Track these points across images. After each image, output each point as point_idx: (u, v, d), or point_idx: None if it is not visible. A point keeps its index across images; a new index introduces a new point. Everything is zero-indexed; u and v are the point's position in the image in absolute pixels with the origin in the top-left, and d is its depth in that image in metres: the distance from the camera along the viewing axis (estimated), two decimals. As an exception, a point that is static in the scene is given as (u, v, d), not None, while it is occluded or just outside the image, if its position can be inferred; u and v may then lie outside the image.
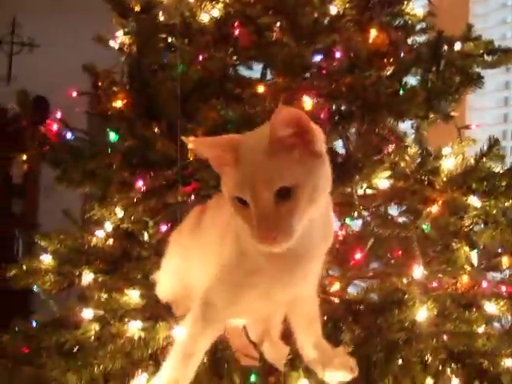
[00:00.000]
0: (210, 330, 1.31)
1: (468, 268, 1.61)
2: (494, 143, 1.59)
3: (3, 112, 4.38)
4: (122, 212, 1.85)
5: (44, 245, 1.94)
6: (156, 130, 1.63)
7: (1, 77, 4.86)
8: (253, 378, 1.54)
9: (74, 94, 2.03)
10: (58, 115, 1.89)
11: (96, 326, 1.55)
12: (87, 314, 1.61)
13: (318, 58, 1.62)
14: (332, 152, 1.58)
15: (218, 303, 1.28)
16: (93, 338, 1.53)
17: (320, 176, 1.12)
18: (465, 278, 1.65)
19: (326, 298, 1.71)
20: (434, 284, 1.65)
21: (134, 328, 1.53)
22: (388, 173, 1.56)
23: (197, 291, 1.38)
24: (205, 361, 1.42)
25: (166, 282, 1.60)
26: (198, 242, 1.45)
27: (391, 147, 1.53)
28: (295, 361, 1.43)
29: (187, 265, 1.50)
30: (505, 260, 1.74)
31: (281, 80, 1.58)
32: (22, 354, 1.58)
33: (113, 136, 1.65)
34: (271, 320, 1.54)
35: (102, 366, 1.47)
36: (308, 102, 1.46)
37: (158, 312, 1.58)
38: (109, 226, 1.87)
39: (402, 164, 1.55)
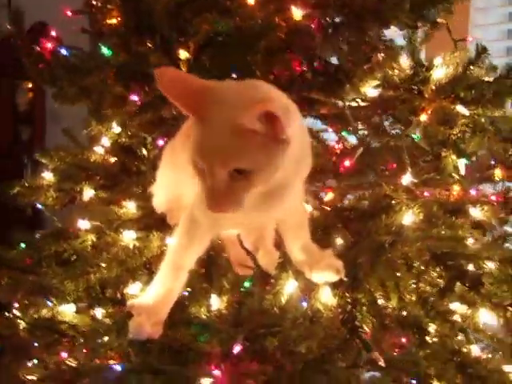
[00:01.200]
0: (196, 244, 1.35)
1: (456, 176, 1.64)
2: (481, 51, 1.60)
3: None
4: (119, 127, 1.89)
5: (45, 162, 1.99)
6: (149, 44, 1.64)
7: (2, 3, 4.79)
8: (247, 284, 1.61)
9: (69, 13, 2.04)
10: (53, 33, 1.90)
11: (92, 237, 1.61)
12: (84, 224, 1.66)
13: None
14: (325, 62, 1.60)
15: (201, 221, 1.32)
16: (89, 247, 1.58)
17: (281, 161, 1.12)
18: (455, 187, 1.69)
19: (317, 207, 1.76)
20: (426, 194, 1.70)
21: (129, 237, 1.59)
22: (376, 82, 1.57)
23: (187, 204, 1.43)
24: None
25: (161, 193, 1.64)
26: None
27: (380, 56, 1.53)
28: (285, 264, 1.49)
29: (178, 178, 1.53)
30: (497, 172, 1.78)
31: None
32: (26, 265, 1.65)
33: (105, 51, 1.66)
34: (264, 229, 1.59)
35: (97, 274, 1.53)
36: (297, 13, 1.47)
37: (152, 222, 1.64)
38: (106, 142, 1.92)
39: (391, 72, 1.56)
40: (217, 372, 1.47)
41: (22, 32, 1.77)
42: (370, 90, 1.60)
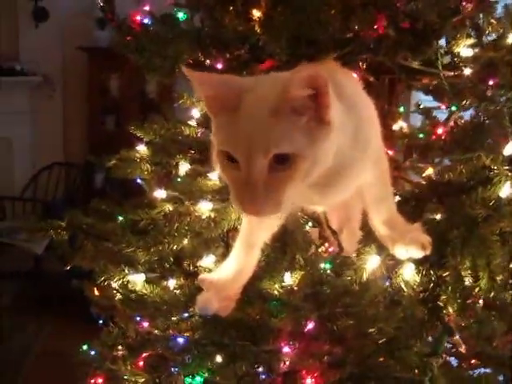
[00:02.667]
0: (267, 221, 1.30)
1: None
2: None
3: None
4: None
5: (140, 135, 1.99)
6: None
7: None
8: (327, 265, 1.51)
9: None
10: (147, 8, 1.90)
11: (169, 206, 1.58)
12: (161, 193, 1.64)
13: None
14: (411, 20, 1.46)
15: None
16: (164, 217, 1.56)
17: (323, 148, 1.02)
18: None
19: (411, 180, 1.64)
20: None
21: (205, 208, 1.54)
22: (471, 40, 1.41)
23: None
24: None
25: None
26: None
27: (470, 6, 1.36)
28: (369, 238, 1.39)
29: None
30: None
31: None
32: (104, 232, 1.65)
33: (181, 15, 1.63)
34: (350, 209, 1.49)
35: (171, 245, 1.51)
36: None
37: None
38: (196, 113, 1.89)
39: (489, 29, 1.40)
40: (287, 350, 1.39)
41: (111, 5, 1.77)
42: (465, 49, 1.44)
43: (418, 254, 1.28)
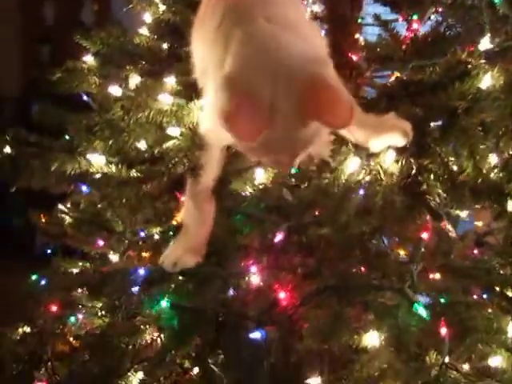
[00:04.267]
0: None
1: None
2: None
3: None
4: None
5: (86, 45, 1.84)
6: None
7: None
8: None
9: None
10: None
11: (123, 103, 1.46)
12: (114, 90, 1.55)
13: None
14: None
15: None
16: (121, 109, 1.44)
17: None
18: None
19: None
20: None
21: (165, 102, 1.43)
22: None
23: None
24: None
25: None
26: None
27: None
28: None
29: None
30: None
31: None
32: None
33: None
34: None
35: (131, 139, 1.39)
36: None
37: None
38: (148, 18, 1.76)
39: None
40: (254, 269, 1.31)
41: None
42: None
43: (400, 141, 1.14)
